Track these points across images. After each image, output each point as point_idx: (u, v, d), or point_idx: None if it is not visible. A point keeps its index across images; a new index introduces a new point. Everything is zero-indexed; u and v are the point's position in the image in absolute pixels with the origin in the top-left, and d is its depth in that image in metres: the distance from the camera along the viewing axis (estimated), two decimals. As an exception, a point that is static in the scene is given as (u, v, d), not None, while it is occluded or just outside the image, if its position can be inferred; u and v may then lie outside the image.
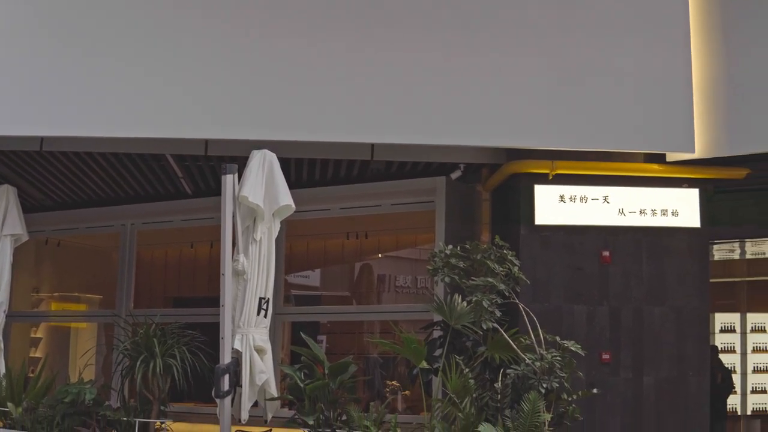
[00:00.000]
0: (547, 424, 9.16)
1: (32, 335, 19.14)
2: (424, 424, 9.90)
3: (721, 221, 13.86)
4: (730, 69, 13.11)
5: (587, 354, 12.29)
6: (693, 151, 13.02)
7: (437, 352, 10.30)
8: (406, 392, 15.49)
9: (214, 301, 10.35)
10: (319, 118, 12.19)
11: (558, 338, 9.69)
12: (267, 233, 10.66)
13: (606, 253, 13.30)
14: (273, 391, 10.72)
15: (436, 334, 10.65)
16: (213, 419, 10.78)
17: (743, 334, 21.00)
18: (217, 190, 10.35)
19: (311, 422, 10.19)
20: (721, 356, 19.17)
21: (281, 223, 11.10)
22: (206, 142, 13.18)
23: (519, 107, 12.51)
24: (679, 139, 12.96)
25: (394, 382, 15.94)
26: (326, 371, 10.66)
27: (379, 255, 18.07)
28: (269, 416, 10.97)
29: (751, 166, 13.56)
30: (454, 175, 14.15)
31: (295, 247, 17.41)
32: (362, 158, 13.46)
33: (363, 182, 14.91)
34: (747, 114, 13.02)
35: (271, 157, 10.69)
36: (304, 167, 14.42)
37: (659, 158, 13.40)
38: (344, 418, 10.32)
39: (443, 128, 12.33)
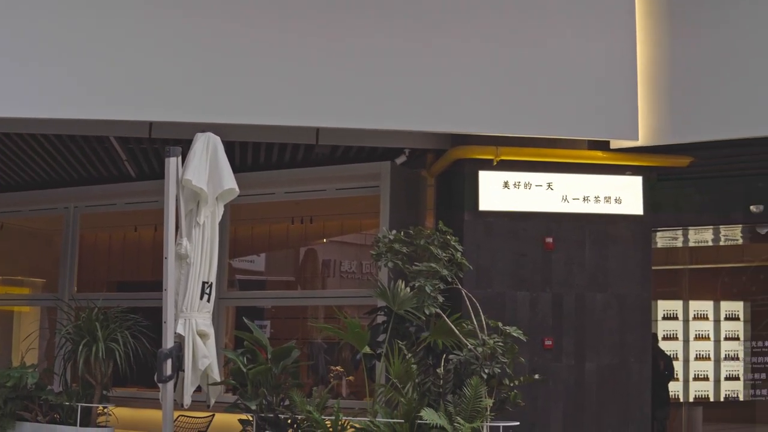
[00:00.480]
0: (489, 409, 9.17)
1: (-26, 319, 18.98)
2: (366, 409, 9.89)
3: (664, 209, 13.94)
4: (674, 57, 13.19)
5: (530, 340, 12.33)
6: (637, 139, 13.10)
7: (380, 338, 10.30)
8: (350, 378, 15.48)
9: (157, 285, 10.28)
10: (264, 102, 12.13)
11: (500, 324, 9.71)
12: (210, 217, 10.58)
13: (549, 240, 13.35)
14: (216, 376, 10.67)
15: (380, 319, 10.65)
16: (155, 404, 10.70)
17: (686, 321, 21.14)
18: (161, 174, 10.26)
19: (254, 407, 10.15)
20: (664, 343, 19.31)
21: (225, 207, 11.03)
22: (150, 125, 13.09)
23: (464, 93, 12.52)
24: (623, 126, 13.03)
25: (338, 368, 15.92)
26: (269, 356, 10.62)
27: (324, 240, 18.04)
28: (212, 401, 10.91)
29: (695, 155, 13.65)
30: (399, 161, 14.15)
31: (239, 232, 17.35)
32: (307, 142, 13.42)
33: (308, 166, 14.89)
34: (691, 102, 13.10)
35: (216, 141, 10.61)
36: (249, 151, 14.37)
37: (603, 145, 13.47)
38: (287, 403, 10.29)
39: (388, 113, 12.31)
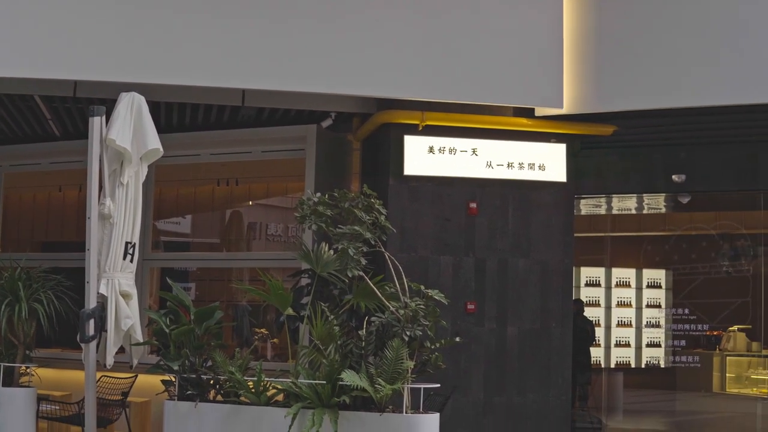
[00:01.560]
0: (410, 371, 9.23)
1: None
2: (289, 370, 9.92)
3: (587, 176, 14.10)
4: (601, 27, 13.30)
5: (453, 304, 12.45)
6: (561, 107, 13.23)
7: (304, 300, 10.31)
8: (275, 340, 15.48)
9: (81, 245, 10.20)
10: (190, 62, 12.07)
11: (422, 287, 9.75)
12: (134, 177, 10.50)
13: (473, 205, 13.45)
14: (138, 336, 10.63)
15: (304, 281, 10.66)
16: (78, 365, 10.65)
17: (608, 288, 21.38)
18: (85, 133, 10.18)
19: (176, 368, 10.13)
20: (586, 310, 19.52)
21: (150, 167, 10.96)
22: (75, 84, 12.96)
23: (390, 58, 12.54)
24: (548, 94, 13.14)
25: (262, 330, 15.90)
26: (192, 317, 10.61)
27: (250, 202, 17.99)
28: (135, 362, 10.87)
29: (618, 123, 13.81)
30: (325, 124, 14.16)
31: (165, 193, 17.25)
32: (233, 104, 13.39)
33: (234, 128, 14.85)
34: (616, 72, 13.23)
35: (140, 100, 10.52)
36: (175, 111, 14.30)
37: (528, 113, 13.57)
38: (210, 363, 10.28)
39: (315, 76, 12.31)
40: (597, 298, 21.15)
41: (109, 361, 10.36)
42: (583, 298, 20.08)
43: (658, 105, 13.20)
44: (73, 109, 14.23)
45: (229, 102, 13.32)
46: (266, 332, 15.12)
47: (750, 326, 18.64)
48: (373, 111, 13.61)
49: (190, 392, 10.04)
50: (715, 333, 20.31)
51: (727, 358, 19.01)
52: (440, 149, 13.33)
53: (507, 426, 13.49)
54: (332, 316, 9.58)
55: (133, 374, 13.57)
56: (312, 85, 12.42)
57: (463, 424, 13.29)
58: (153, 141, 10.43)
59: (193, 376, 10.05)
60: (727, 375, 18.90)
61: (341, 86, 12.54)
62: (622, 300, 21.47)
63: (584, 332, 17.76)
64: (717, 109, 13.25)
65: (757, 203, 15.19)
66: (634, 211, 18.55)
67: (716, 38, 12.79)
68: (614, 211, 17.61)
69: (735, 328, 19.25)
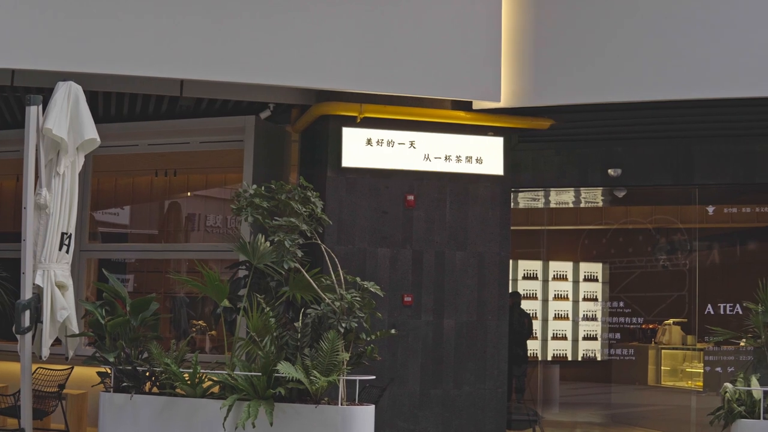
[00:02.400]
0: (345, 363, 9.27)
1: None
2: (225, 362, 9.93)
3: (524, 170, 14.19)
4: (539, 21, 13.39)
5: (390, 296, 12.51)
6: (499, 100, 13.30)
7: (241, 292, 10.33)
8: (213, 332, 15.48)
9: (18, 236, 10.17)
10: (128, 52, 12.00)
11: (359, 279, 9.80)
12: (71, 167, 10.46)
13: (411, 198, 13.50)
14: (74, 327, 10.59)
15: (242, 273, 10.67)
16: (14, 356, 10.59)
17: (545, 281, 21.51)
18: (22, 122, 10.14)
19: (112, 359, 10.11)
20: (524, 303, 19.64)
21: (88, 157, 10.94)
22: (12, 73, 12.85)
23: (329, 50, 12.55)
24: (486, 87, 13.21)
25: (200, 322, 15.90)
26: (128, 308, 10.58)
27: (189, 193, 17.92)
28: (71, 353, 10.84)
29: (555, 118, 13.91)
30: (264, 115, 14.15)
31: (102, 184, 17.15)
32: (171, 94, 13.33)
33: (172, 119, 14.80)
34: (553, 66, 13.32)
35: (77, 90, 10.48)
36: (113, 101, 14.22)
37: (466, 106, 13.63)
38: (145, 355, 10.27)
39: (253, 67, 12.30)
40: (534, 291, 21.29)
41: (45, 352, 10.32)
42: (521, 291, 20.20)
43: (595, 100, 13.32)
44: (11, 98, 14.11)
45: (168, 92, 13.26)
46: (204, 324, 15.11)
47: (685, 320, 18.80)
48: (311, 103, 13.61)
49: (125, 384, 10.02)
50: (650, 326, 20.47)
51: (663, 351, 19.16)
52: (378, 141, 13.37)
53: (443, 418, 13.56)
54: (268, 308, 9.61)
55: (70, 366, 13.50)
56: (251, 76, 12.40)
57: (399, 415, 13.34)
58: (90, 131, 10.39)
59: (129, 368, 10.03)
60: (663, 368, 19.05)
61: (280, 77, 12.53)
62: (559, 293, 21.62)
63: (522, 325, 17.86)
64: (653, 104, 13.39)
65: (692, 198, 15.36)
66: (571, 205, 18.68)
67: (652, 34, 12.92)
68: (551, 205, 17.74)
69: (671, 321, 19.40)
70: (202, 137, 14.87)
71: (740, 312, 13.01)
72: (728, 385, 9.91)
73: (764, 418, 9.34)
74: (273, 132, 14.58)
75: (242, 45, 12.27)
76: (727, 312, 17.90)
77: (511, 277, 15.60)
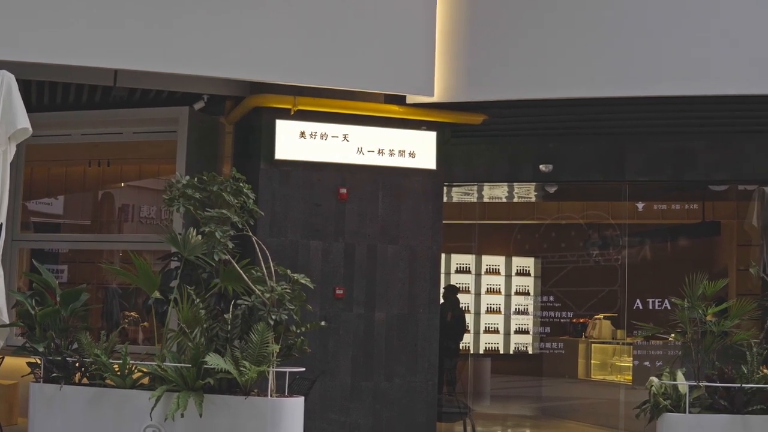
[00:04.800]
0: (275, 354, 9.30)
1: None
2: (155, 354, 9.92)
3: (457, 164, 14.26)
4: (473, 17, 13.50)
5: (322, 289, 12.56)
6: (432, 95, 13.38)
7: (172, 283, 10.31)
8: (145, 323, 15.44)
9: (-50, 226, 10.10)
10: (61, 41, 11.92)
11: (289, 271, 9.83)
12: (2, 156, 10.34)
13: (343, 191, 13.54)
14: (5, 317, 10.50)
15: (173, 265, 10.66)
16: (-57, 348, 10.53)
17: (478, 275, 21.68)
18: (-47, 111, 10.05)
19: (41, 349, 10.06)
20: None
21: (21, 147, 10.84)
22: (-57, 61, 12.76)
23: (263, 42, 12.56)
24: (420, 82, 13.29)
25: (132, 313, 15.85)
26: (58, 299, 10.54)
27: (122, 184, 17.86)
28: (1, 344, 10.77)
29: (488, 113, 14.01)
30: (197, 106, 14.12)
31: (35, 173, 17.05)
32: (105, 84, 13.28)
33: (106, 108, 14.74)
34: (487, 62, 13.44)
35: (10, 79, 10.38)
36: (46, 90, 14.14)
37: (399, 100, 13.70)
38: (75, 346, 10.23)
39: (187, 58, 12.27)
40: (467, 285, 21.44)
41: (-24, 343, 10.25)
42: (454, 285, 20.33)
43: (527, 95, 13.45)
44: (-59, 86, 13.97)
45: (101, 82, 13.21)
46: (136, 315, 15.07)
47: (616, 314, 19.00)
48: (245, 94, 13.61)
49: (55, 375, 9.98)
50: (581, 320, 20.68)
51: (593, 345, 19.36)
52: (312, 134, 13.39)
53: (374, 410, 13.62)
54: (199, 300, 9.62)
55: (0, 356, 13.41)
56: (184, 66, 12.38)
57: (330, 408, 13.39)
58: (22, 120, 10.30)
59: (59, 358, 9.99)
60: (593, 362, 19.25)
61: (214, 69, 12.52)
62: (492, 287, 21.81)
63: (461, 319, 17.98)
64: (585, 101, 13.56)
65: (623, 194, 15.51)
66: (503, 200, 18.80)
67: (584, 31, 13.08)
68: (484, 199, 17.84)
69: (601, 316, 19.61)
70: (135, 127, 14.83)
71: (668, 307, 13.16)
72: (654, 379, 10.03)
73: (690, 413, 9.47)
74: (206, 123, 14.56)
75: (176, 36, 12.24)
76: (656, 307, 18.14)
77: (443, 271, 15.71)
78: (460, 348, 19.46)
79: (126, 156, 16.46)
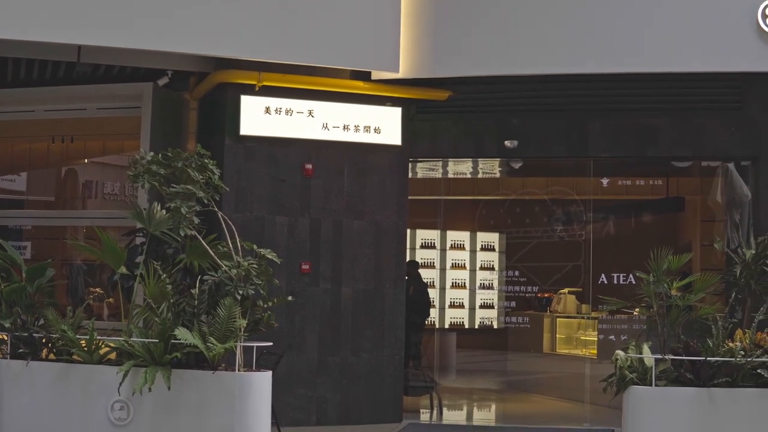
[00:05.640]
0: (242, 329, 9.32)
1: None
2: (122, 329, 9.92)
3: (422, 140, 14.27)
4: (438, -7, 13.53)
5: (288, 264, 12.57)
6: (398, 71, 13.42)
7: (138, 259, 10.30)
8: (110, 299, 15.40)
9: None
10: (24, 16, 11.84)
11: (255, 247, 9.84)
12: (-35, 134, 10.37)
13: (309, 166, 13.55)
14: (-30, 294, 10.51)
15: (139, 240, 10.64)
16: None
17: (443, 250, 21.70)
18: None
19: (8, 325, 10.06)
20: (422, 272, 19.79)
21: (-18, 123, 10.81)
22: None
23: (227, 17, 12.52)
24: (385, 58, 13.31)
25: (97, 289, 15.81)
26: (24, 275, 10.52)
27: (86, 160, 17.77)
28: (-34, 321, 10.76)
29: (453, 89, 14.05)
30: (162, 82, 14.07)
31: (-1, 149, 16.99)
32: (69, 59, 13.22)
33: (69, 85, 14.66)
34: (452, 38, 13.48)
35: (-29, 55, 10.39)
36: (9, 66, 14.06)
37: (365, 76, 13.71)
38: (42, 322, 10.22)
39: (151, 33, 12.22)
40: (432, 260, 21.47)
41: (-59, 320, 10.22)
42: (419, 260, 20.35)
43: (492, 72, 13.52)
44: None
45: (65, 57, 13.15)
46: (101, 291, 15.03)
47: (580, 289, 19.09)
48: (210, 70, 13.59)
49: (22, 351, 9.97)
50: (546, 295, 20.76)
51: (558, 319, 19.45)
52: (277, 110, 13.38)
53: (341, 384, 13.67)
54: (165, 275, 9.61)
55: (-34, 334, 13.38)
56: (148, 42, 12.33)
57: (298, 382, 13.43)
58: (-16, 96, 10.29)
59: (25, 334, 9.99)
60: (558, 336, 19.35)
61: (178, 44, 12.49)
62: (457, 262, 21.84)
63: (425, 294, 18.00)
64: (550, 77, 13.63)
65: (588, 170, 15.56)
66: (468, 175, 18.84)
67: (548, 9, 13.18)
68: (449, 175, 17.86)
69: (566, 290, 19.69)
70: (99, 103, 14.75)
71: (633, 282, 13.23)
72: (620, 352, 10.11)
73: (656, 385, 9.55)
74: (171, 99, 14.51)
75: (140, 11, 12.18)
76: (621, 282, 18.24)
77: (408, 246, 15.73)
78: (426, 323, 19.51)
79: (90, 132, 16.38)
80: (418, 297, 17.32)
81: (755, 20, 12.71)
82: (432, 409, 15.19)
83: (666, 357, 9.78)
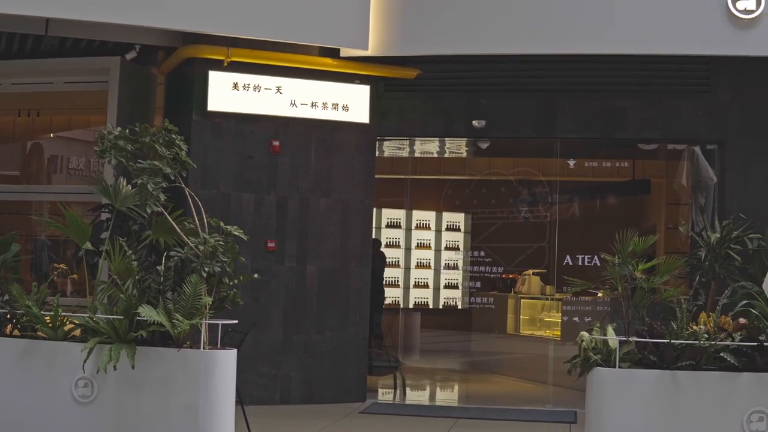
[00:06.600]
0: (207, 307, 9.28)
1: None
2: (87, 306, 9.86)
3: (390, 119, 14.26)
4: (407, -29, 13.50)
5: (254, 242, 12.52)
6: (366, 49, 13.39)
7: (103, 235, 10.23)
8: (74, 275, 15.32)
9: None
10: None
11: (222, 223, 9.79)
12: (-70, 106, 10.27)
13: (276, 143, 13.53)
14: (-67, 269, 10.43)
15: (104, 216, 10.58)
16: None
17: (408, 230, 21.71)
18: None
19: (-29, 301, 10.00)
20: (387, 251, 19.81)
21: (-52, 95, 10.70)
22: None
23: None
24: (354, 35, 13.28)
25: (62, 265, 15.71)
26: (-12, 249, 10.44)
27: (51, 135, 17.65)
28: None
29: (421, 68, 14.05)
30: (129, 56, 13.98)
31: (-37, 123, 16.84)
32: (36, 32, 13.11)
33: (37, 58, 14.55)
34: (421, 16, 13.47)
35: (-63, 26, 10.28)
36: (-25, 40, 13.97)
37: (334, 53, 13.67)
38: (6, 297, 10.14)
39: (119, 7, 12.15)
40: (397, 240, 21.47)
41: None
42: (384, 239, 20.37)
43: (461, 51, 13.52)
44: None
45: (32, 31, 13.05)
46: (65, 267, 14.95)
47: (545, 270, 19.15)
48: (178, 45, 13.52)
49: (-14, 326, 9.91)
50: (510, 276, 20.83)
51: (522, 300, 19.52)
52: (245, 86, 13.34)
53: (306, 363, 13.67)
54: (131, 252, 9.56)
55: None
56: (117, 16, 12.25)
57: (262, 360, 13.42)
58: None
59: (-10, 310, 9.92)
60: (522, 317, 19.43)
61: (146, 18, 12.41)
62: (422, 242, 21.86)
63: (382, 272, 17.99)
64: (518, 57, 13.64)
65: (554, 151, 15.59)
66: (435, 155, 18.84)
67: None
68: (416, 154, 17.85)
69: (530, 271, 19.76)
70: (66, 77, 14.64)
71: (598, 263, 13.27)
72: (584, 333, 10.12)
73: (620, 367, 9.58)
74: (138, 74, 14.42)
75: (109, -16, 12.12)
76: (585, 263, 18.31)
77: (374, 225, 15.72)
78: (389, 302, 19.53)
79: (56, 106, 16.27)
80: (378, 274, 17.30)
81: (725, 4, 12.74)
82: (396, 388, 15.23)
83: (630, 339, 9.80)
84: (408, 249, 21.67)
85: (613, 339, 9.80)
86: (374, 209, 14.66)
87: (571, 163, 18.59)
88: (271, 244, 13.49)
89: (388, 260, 19.08)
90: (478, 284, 21.87)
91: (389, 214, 21.26)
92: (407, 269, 21.71)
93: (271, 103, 13.44)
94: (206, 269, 9.37)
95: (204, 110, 13.26)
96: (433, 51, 13.63)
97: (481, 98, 14.38)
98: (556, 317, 17.78)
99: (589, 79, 14.15)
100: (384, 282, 17.87)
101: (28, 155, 17.62)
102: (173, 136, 9.91)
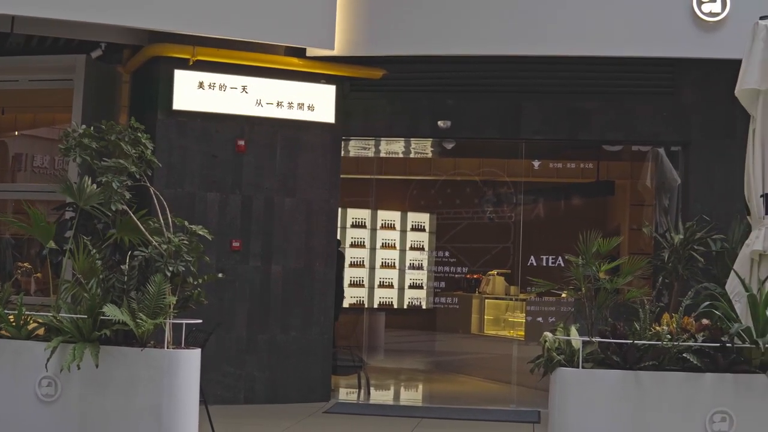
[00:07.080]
0: (171, 306, 9.26)
1: None
2: (50, 305, 9.82)
3: (355, 119, 14.28)
4: (374, -29, 13.53)
5: (219, 241, 12.51)
6: (332, 48, 13.40)
7: (67, 234, 10.20)
8: (38, 274, 15.27)
9: None
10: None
11: (186, 223, 9.77)
12: None
13: (241, 143, 13.52)
14: None
15: (68, 215, 10.54)
16: None
17: (373, 230, 21.74)
18: None
19: (-66, 299, 9.93)
20: (352, 251, 19.83)
21: None
22: None
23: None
24: (320, 35, 13.30)
25: (26, 264, 15.66)
26: (-49, 247, 10.40)
27: (16, 133, 17.58)
28: None
29: (387, 68, 14.07)
30: (95, 54, 13.93)
31: (-73, 121, 16.75)
32: (1, 30, 13.04)
33: (1, 56, 14.47)
34: (387, 17, 13.50)
35: None
36: (-61, 37, 13.88)
37: (300, 52, 13.68)
38: (-31, 296, 10.10)
39: (85, 5, 12.11)
40: (362, 240, 21.49)
41: None
42: (349, 239, 20.38)
43: (427, 51, 13.58)
44: None
45: (-3, 28, 13.01)
46: (29, 266, 14.89)
47: (509, 271, 19.22)
48: (144, 43, 13.48)
49: (-52, 325, 9.84)
50: (475, 276, 20.88)
51: (486, 300, 19.56)
52: (210, 85, 13.33)
53: (270, 363, 13.67)
54: (95, 251, 9.53)
55: None
56: (82, 14, 12.21)
57: (226, 360, 13.40)
58: None
59: (-48, 309, 9.86)
60: (486, 317, 19.48)
61: (111, 16, 12.37)
62: (387, 242, 21.88)
63: (341, 271, 18.00)
64: (484, 58, 13.68)
65: (519, 152, 15.64)
66: (401, 155, 18.87)
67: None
68: (381, 154, 17.88)
69: (494, 272, 19.82)
70: (31, 75, 14.56)
71: (562, 264, 13.33)
72: (548, 334, 10.13)
73: (583, 367, 9.61)
74: (104, 72, 14.37)
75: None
76: (550, 264, 18.40)
77: (339, 225, 15.73)
78: (354, 302, 19.56)
79: (21, 104, 16.21)
80: (339, 274, 17.31)
81: (690, 6, 12.83)
82: (360, 388, 15.25)
83: (593, 339, 9.82)
84: (373, 249, 21.69)
85: (576, 339, 9.82)
86: (339, 209, 14.67)
87: (536, 164, 18.67)
88: (235, 244, 13.48)
89: (352, 260, 19.10)
90: (443, 284, 21.93)
91: (354, 213, 21.28)
92: (372, 269, 21.74)
93: (237, 102, 13.43)
94: (170, 268, 9.35)
95: (169, 109, 13.23)
96: (399, 51, 13.67)
97: (446, 99, 14.42)
98: (520, 317, 17.83)
99: (555, 80, 14.20)
100: (344, 282, 17.88)
101: (-8, 153, 17.55)
102: (139, 134, 9.89)
